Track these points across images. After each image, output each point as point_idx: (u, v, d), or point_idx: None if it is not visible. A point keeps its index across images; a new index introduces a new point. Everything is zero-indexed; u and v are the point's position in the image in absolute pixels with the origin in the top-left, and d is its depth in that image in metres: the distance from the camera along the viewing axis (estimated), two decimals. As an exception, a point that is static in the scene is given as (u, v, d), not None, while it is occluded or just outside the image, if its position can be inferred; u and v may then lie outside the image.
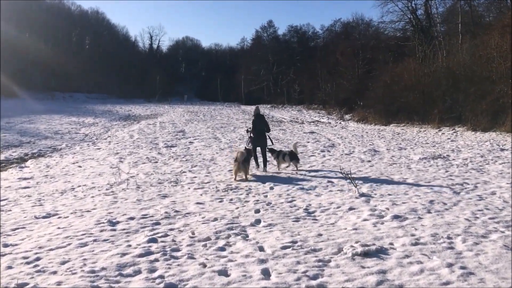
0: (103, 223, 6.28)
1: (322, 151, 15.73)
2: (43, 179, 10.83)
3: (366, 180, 9.68)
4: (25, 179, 10.95)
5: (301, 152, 15.36)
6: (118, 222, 6.36)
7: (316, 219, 6.50)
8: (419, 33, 36.02)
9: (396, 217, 6.40)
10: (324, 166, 12.19)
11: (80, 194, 8.69)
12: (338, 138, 20.58)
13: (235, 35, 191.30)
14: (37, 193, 9.04)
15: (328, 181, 9.52)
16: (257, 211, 7.08)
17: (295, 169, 11.27)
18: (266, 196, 8.22)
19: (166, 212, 6.91)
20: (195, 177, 10.57)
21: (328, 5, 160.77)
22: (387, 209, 6.91)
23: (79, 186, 9.65)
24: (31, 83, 69.84)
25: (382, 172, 10.92)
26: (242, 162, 10.14)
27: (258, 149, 11.97)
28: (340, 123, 33.54)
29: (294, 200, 7.78)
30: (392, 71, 32.68)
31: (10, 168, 13.36)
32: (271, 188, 8.93)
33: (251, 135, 11.99)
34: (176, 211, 7.02)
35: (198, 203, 7.69)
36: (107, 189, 9.03)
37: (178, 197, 8.23)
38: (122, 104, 62.85)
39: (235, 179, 10.08)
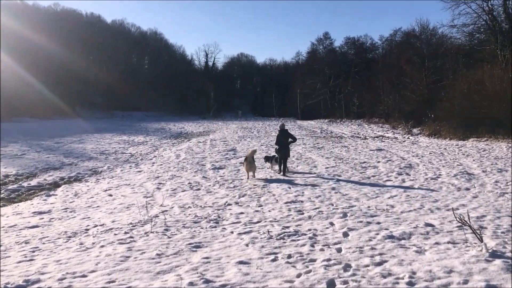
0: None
1: (399, 174, 12.85)
2: (61, 214, 8.94)
3: (481, 221, 6.83)
4: (40, 213, 9.13)
5: (373, 176, 12.62)
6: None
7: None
8: (498, 36, 31.84)
9: None
10: (409, 196, 9.38)
11: (90, 240, 6.58)
12: (413, 156, 17.48)
13: (290, 49, 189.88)
14: (41, 236, 7.06)
15: (427, 224, 6.77)
16: (331, 283, 4.54)
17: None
18: (339, 251, 5.65)
19: (191, 284, 4.55)
20: (242, 213, 8.20)
21: (386, 15, 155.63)
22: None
23: (96, 226, 7.59)
24: (93, 103, 71.97)
25: (496, 207, 7.96)
26: (252, 161, 12.55)
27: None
28: (408, 138, 30.03)
29: (385, 262, 5.15)
30: (470, 79, 28.78)
31: (37, 196, 11.75)
32: (345, 235, 6.35)
33: (277, 146, 13.62)
34: (207, 281, 4.64)
35: (241, 262, 5.27)
36: (125, 233, 6.87)
37: (215, 249, 5.87)
38: (177, 121, 62.45)
39: (248, 178, 12.34)
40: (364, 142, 25.85)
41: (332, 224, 7.04)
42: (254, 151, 12.75)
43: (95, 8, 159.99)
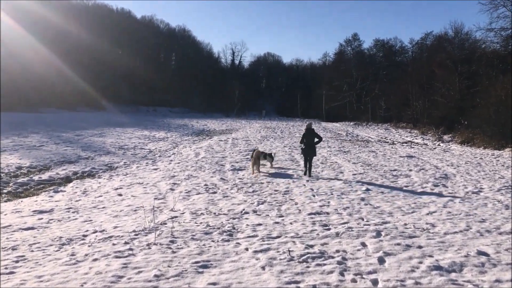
0: None
1: (435, 185, 11.67)
2: (62, 215, 8.18)
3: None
4: (41, 212, 8.39)
5: (406, 186, 11.49)
6: None
7: None
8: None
9: None
10: (451, 213, 8.24)
11: (84, 251, 5.74)
12: (447, 165, 16.18)
13: (317, 50, 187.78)
14: (32, 241, 6.27)
15: (480, 252, 5.65)
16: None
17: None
18: (375, 283, 4.64)
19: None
20: (260, 224, 7.25)
21: (417, 18, 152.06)
22: None
23: (95, 231, 6.78)
24: (119, 96, 72.42)
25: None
26: (257, 160, 13.58)
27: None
28: (439, 145, 28.53)
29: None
30: (507, 85, 27.03)
31: (45, 191, 11.09)
32: (381, 261, 5.32)
33: (303, 146, 13.44)
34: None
35: (255, 292, 4.33)
36: (125, 243, 6.02)
37: (225, 271, 4.94)
38: (200, 118, 62.04)
39: (252, 173, 13.49)
40: (392, 148, 24.54)
41: (364, 245, 6.02)
42: (259, 152, 14.03)
43: (125, 4, 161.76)
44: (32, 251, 5.79)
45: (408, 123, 48.24)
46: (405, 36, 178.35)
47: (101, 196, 10.17)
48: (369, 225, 7.16)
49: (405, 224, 7.23)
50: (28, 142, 21.54)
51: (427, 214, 8.12)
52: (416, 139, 33.28)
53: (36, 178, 12.92)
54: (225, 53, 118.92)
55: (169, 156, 18.69)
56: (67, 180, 13.04)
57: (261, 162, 14.28)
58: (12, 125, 29.45)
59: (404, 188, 11.18)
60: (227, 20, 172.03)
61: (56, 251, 5.77)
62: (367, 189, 10.82)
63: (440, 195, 10.29)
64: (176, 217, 7.75)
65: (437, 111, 41.27)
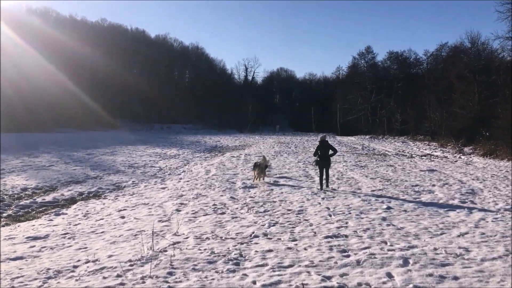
0: None
1: (463, 201, 10.76)
2: (56, 241, 7.54)
3: None
4: (35, 238, 7.77)
5: (430, 203, 10.61)
6: None
7: None
8: None
9: None
10: (485, 235, 7.37)
11: (70, 285, 5.06)
12: (473, 179, 15.21)
13: (330, 64, 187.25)
14: (15, 275, 5.62)
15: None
16: None
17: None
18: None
19: None
20: (271, 250, 6.50)
21: (432, 29, 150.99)
22: None
23: (87, 261, 6.11)
24: (134, 115, 72.91)
25: None
26: (263, 169, 14.95)
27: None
28: (460, 157, 27.37)
29: None
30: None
31: (46, 214, 10.53)
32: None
33: (318, 158, 13.38)
34: None
35: None
36: (118, 276, 5.33)
37: (228, 312, 4.21)
38: (213, 134, 61.64)
39: (255, 180, 14.94)
40: (411, 161, 23.55)
41: (390, 276, 5.22)
42: (262, 163, 15.35)
43: (140, 24, 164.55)
44: (13, 287, 5.14)
45: (426, 135, 47.05)
46: (420, 48, 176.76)
47: (103, 219, 9.54)
48: (394, 250, 6.34)
49: (435, 249, 6.39)
50: (38, 162, 21.22)
51: (458, 236, 7.26)
52: (436, 152, 32.14)
53: (39, 200, 12.40)
54: (238, 69, 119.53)
55: (179, 174, 18.09)
56: (71, 201, 12.49)
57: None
58: (26, 145, 29.38)
59: (429, 206, 10.30)
60: (239, 36, 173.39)
61: (39, 287, 5.11)
62: (388, 207, 9.98)
63: (469, 213, 9.39)
64: (178, 242, 7.05)
65: (456, 122, 40.09)
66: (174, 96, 79.67)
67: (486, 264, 5.65)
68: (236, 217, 9.20)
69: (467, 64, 42.63)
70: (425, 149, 34.68)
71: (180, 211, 10.13)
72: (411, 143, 43.24)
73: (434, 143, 39.48)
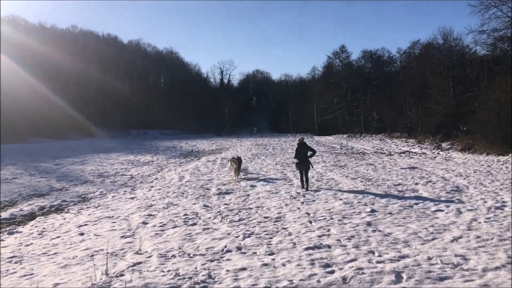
0: None
1: (450, 200, 10.16)
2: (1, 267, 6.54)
3: None
4: (-26, 265, 6.75)
5: (416, 203, 9.98)
6: None
7: None
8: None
9: None
10: (481, 238, 6.71)
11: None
12: (455, 176, 14.73)
13: (306, 65, 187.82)
14: None
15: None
16: None
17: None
18: None
19: None
20: (244, 268, 5.67)
21: (403, 27, 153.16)
22: None
23: (27, 294, 5.16)
24: (110, 122, 71.22)
25: None
26: (238, 168, 16.42)
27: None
28: (438, 153, 27.17)
29: None
30: (506, 88, 25.83)
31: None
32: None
33: (297, 161, 13.34)
34: None
35: None
36: (58, 312, 4.42)
37: None
38: (191, 139, 60.45)
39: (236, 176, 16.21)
40: (391, 159, 23.11)
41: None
42: (235, 161, 16.75)
43: (111, 29, 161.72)
44: None
45: (403, 132, 47.05)
46: (393, 46, 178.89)
47: (59, 237, 8.53)
48: (383, 262, 5.60)
49: (429, 258, 5.68)
50: (1, 175, 19.85)
51: (452, 241, 6.58)
52: (414, 148, 31.94)
53: (-6, 217, 11.26)
54: (213, 73, 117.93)
55: (151, 182, 17.09)
56: (30, 217, 11.37)
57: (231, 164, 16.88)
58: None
59: (415, 207, 9.65)
60: (213, 40, 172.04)
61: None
62: (372, 210, 9.29)
63: (458, 213, 8.77)
64: (139, 263, 6.15)
65: (433, 118, 40.11)
66: (150, 101, 78.19)
67: (489, 276, 4.96)
68: (208, 228, 8.34)
69: (440, 60, 42.78)
70: (403, 146, 34.48)
71: (146, 224, 9.20)
72: (389, 140, 43.12)
73: (411, 140, 39.39)
